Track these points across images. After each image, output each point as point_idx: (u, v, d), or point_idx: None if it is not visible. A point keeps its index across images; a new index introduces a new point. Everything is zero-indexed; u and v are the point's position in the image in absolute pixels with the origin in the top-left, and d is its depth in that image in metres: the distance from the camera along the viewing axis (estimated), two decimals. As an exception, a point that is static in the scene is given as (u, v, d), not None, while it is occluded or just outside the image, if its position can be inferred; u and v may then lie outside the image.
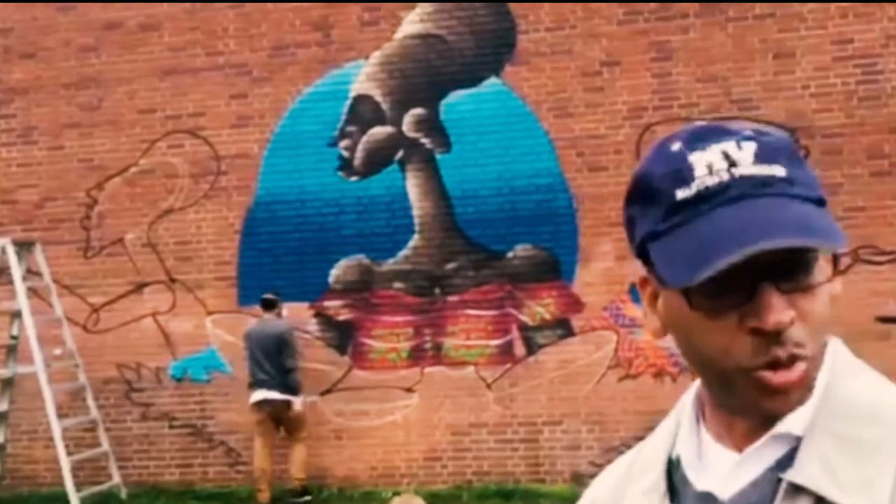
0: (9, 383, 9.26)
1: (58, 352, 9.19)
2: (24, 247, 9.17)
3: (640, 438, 1.24)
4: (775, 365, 0.98)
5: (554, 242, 8.94)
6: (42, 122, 9.82)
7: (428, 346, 9.13)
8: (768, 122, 8.52)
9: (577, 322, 8.89)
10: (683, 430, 1.10)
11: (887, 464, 0.97)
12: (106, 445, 9.26)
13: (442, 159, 9.15)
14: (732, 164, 0.99)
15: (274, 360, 8.55)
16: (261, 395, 8.59)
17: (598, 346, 8.83)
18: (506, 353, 9.00)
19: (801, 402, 1.01)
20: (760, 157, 1.00)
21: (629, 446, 1.24)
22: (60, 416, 8.89)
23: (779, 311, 0.97)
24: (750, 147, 1.00)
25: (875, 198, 8.45)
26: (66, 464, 8.69)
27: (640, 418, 8.44)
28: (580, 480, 8.66)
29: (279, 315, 8.89)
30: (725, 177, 0.99)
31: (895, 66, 8.47)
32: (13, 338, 9.21)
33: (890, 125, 8.41)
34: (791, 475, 0.99)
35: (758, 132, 1.03)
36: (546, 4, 9.01)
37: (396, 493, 8.88)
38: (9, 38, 9.91)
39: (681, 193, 1.00)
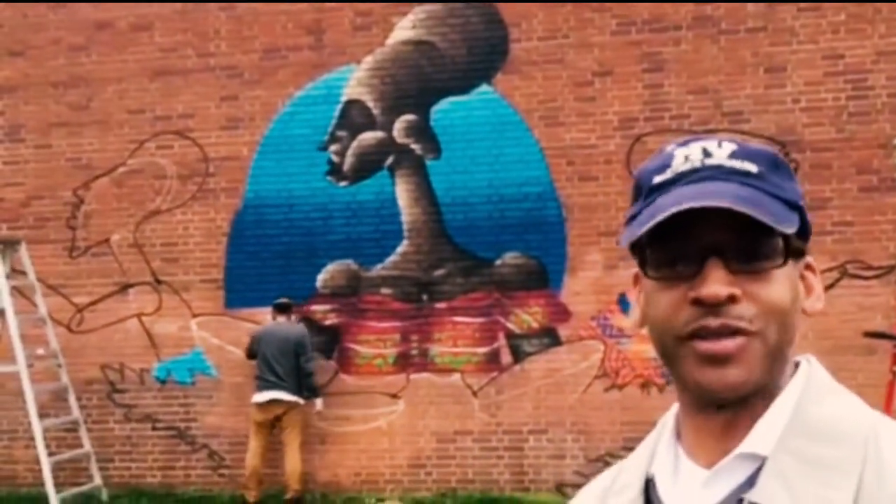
0: (-9, 382, 9.21)
1: (41, 351, 9.13)
2: (8, 245, 9.11)
3: (626, 448, 1.23)
4: (707, 336, 1.01)
5: (542, 251, 8.93)
6: (30, 120, 9.76)
7: (414, 352, 9.11)
8: (758, 135, 8.54)
9: (564, 331, 8.88)
10: (661, 446, 1.10)
11: (846, 483, 0.97)
12: (88, 446, 9.20)
13: (432, 166, 9.14)
14: (708, 155, 1.05)
15: (288, 362, 8.51)
16: (269, 395, 8.53)
17: (584, 356, 8.82)
18: (492, 360, 8.98)
19: (744, 385, 1.01)
20: (737, 155, 1.05)
21: (614, 456, 1.23)
22: (42, 416, 8.82)
23: (717, 283, 1.00)
24: (729, 146, 1.06)
25: (864, 213, 8.47)
26: (46, 464, 8.62)
27: (625, 429, 8.43)
28: (564, 490, 8.64)
29: (292, 319, 8.85)
30: (697, 164, 1.05)
31: (885, 82, 8.50)
32: (-4, 337, 9.15)
33: (879, 141, 8.43)
34: (752, 495, 0.99)
35: (745, 141, 1.08)
36: (539, 13, 9.01)
37: (380, 500, 8.88)
38: (-2, 35, 9.87)
39: (658, 178, 1.06)
